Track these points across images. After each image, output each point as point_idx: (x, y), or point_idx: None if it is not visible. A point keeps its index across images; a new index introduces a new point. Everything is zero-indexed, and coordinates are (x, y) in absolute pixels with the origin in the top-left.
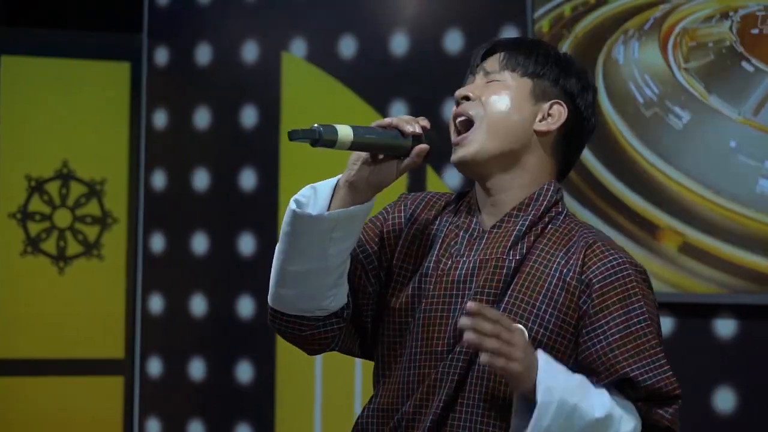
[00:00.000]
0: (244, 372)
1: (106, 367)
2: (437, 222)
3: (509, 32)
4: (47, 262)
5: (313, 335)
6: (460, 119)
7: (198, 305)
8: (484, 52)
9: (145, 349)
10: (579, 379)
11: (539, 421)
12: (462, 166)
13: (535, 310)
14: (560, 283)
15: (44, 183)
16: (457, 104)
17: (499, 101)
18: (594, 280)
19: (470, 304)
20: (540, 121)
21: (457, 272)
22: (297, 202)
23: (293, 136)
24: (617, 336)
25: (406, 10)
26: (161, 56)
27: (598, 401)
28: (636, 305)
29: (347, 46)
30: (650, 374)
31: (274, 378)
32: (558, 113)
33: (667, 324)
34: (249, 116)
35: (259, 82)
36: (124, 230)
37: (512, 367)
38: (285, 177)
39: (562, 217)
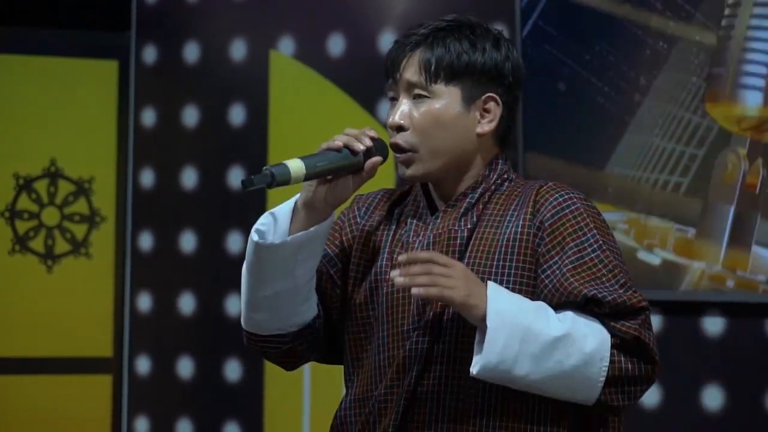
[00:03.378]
0: (233, 370)
1: (95, 366)
2: (389, 218)
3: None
4: (35, 260)
5: (290, 349)
6: (400, 150)
7: (186, 304)
8: (401, 57)
9: (133, 348)
10: (536, 303)
11: (491, 345)
12: (411, 181)
13: (494, 270)
14: (513, 236)
15: (32, 181)
16: (391, 130)
17: (433, 127)
18: (544, 220)
19: (400, 257)
20: (479, 122)
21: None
22: (258, 232)
23: (246, 184)
24: (571, 266)
25: (394, 9)
26: (149, 55)
27: (555, 322)
28: (587, 235)
29: (335, 45)
30: (610, 292)
31: (263, 376)
32: (493, 108)
33: (655, 322)
34: (237, 114)
35: (248, 80)
36: (113, 229)
37: (450, 294)
38: None
39: (508, 183)
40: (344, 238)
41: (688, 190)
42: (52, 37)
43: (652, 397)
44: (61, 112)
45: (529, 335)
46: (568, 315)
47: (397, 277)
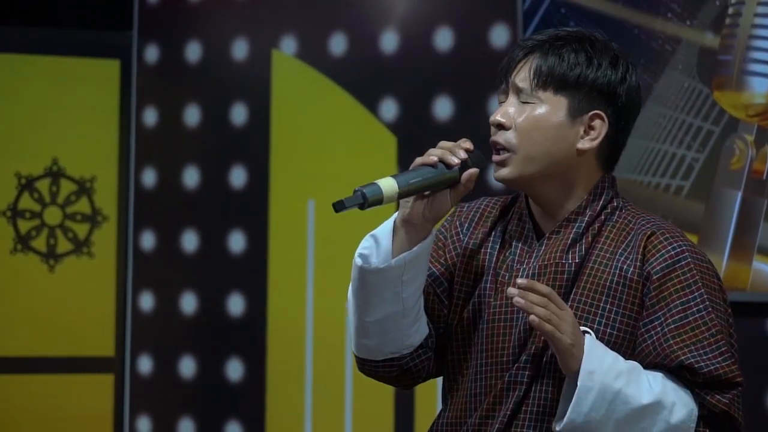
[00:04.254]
0: (235, 369)
1: (97, 365)
2: (493, 234)
3: (499, 30)
4: (37, 259)
5: (404, 373)
6: (498, 147)
7: (188, 303)
8: (515, 62)
9: (135, 347)
10: (629, 365)
11: (578, 405)
12: (504, 182)
13: (600, 311)
14: (622, 281)
15: (34, 181)
16: (493, 127)
17: (534, 130)
18: (653, 272)
19: (520, 280)
20: (581, 137)
21: (518, 281)
22: (362, 256)
23: (339, 207)
24: (673, 326)
25: (396, 8)
26: (151, 54)
27: (646, 387)
28: (695, 294)
29: (337, 44)
30: (707, 361)
31: (265, 375)
32: (599, 126)
33: None
34: (239, 114)
35: (250, 79)
36: (114, 228)
37: (560, 337)
38: (275, 174)
39: (619, 212)
40: (448, 256)
41: (689, 194)
42: (53, 36)
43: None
44: (63, 112)
45: (618, 400)
46: (659, 379)
47: (515, 295)
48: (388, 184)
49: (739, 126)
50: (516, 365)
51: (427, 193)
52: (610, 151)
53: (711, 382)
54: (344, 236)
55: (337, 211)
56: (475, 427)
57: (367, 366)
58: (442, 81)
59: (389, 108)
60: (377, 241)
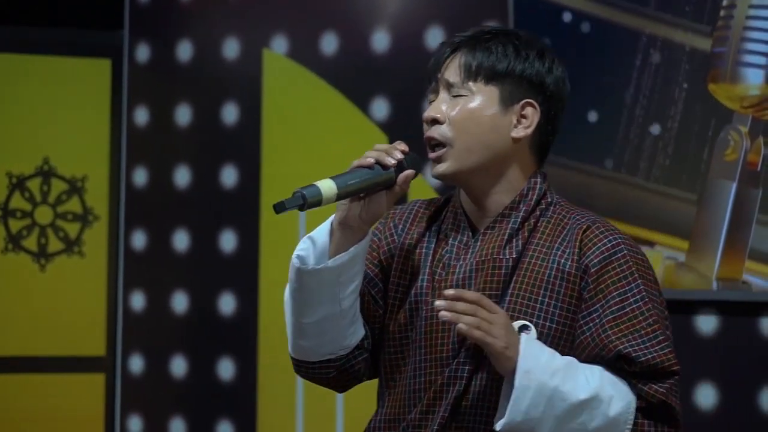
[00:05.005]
0: (226, 369)
1: (88, 365)
2: (428, 233)
3: None
4: (28, 259)
5: (340, 374)
6: (433, 143)
7: (179, 302)
8: (443, 58)
9: (126, 347)
10: (565, 361)
11: (517, 405)
12: (441, 179)
13: (538, 305)
14: (559, 274)
15: (25, 180)
16: (427, 124)
17: (468, 121)
18: (590, 265)
19: (447, 291)
20: (515, 126)
21: (455, 277)
22: (299, 257)
23: (279, 208)
24: (611, 317)
25: (387, 7)
26: (142, 53)
27: (583, 383)
28: (632, 285)
29: (328, 43)
30: (644, 350)
31: (256, 375)
32: (531, 114)
33: None
34: (230, 113)
35: (241, 79)
36: (106, 227)
37: (491, 341)
38: (266, 174)
39: (552, 207)
40: (383, 257)
41: (680, 198)
42: (44, 35)
43: None
44: (54, 111)
45: (555, 397)
46: (596, 373)
47: (442, 309)
48: (326, 186)
49: (733, 117)
50: (456, 360)
51: (363, 194)
52: (542, 141)
53: (648, 371)
54: None
55: (277, 212)
56: (416, 422)
57: (303, 367)
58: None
59: (380, 107)
60: (314, 243)
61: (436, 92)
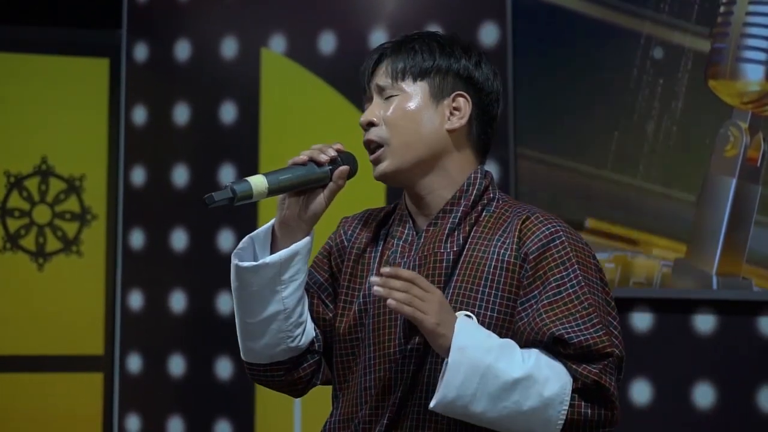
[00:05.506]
0: (224, 368)
1: (86, 364)
2: (376, 238)
3: (488, 28)
4: (26, 258)
5: (292, 376)
6: (372, 146)
7: (177, 302)
8: (372, 66)
9: (124, 346)
10: (503, 341)
11: (449, 381)
12: (384, 179)
13: (479, 296)
14: (499, 264)
15: (23, 179)
16: (364, 130)
17: (402, 119)
18: (529, 253)
19: (384, 269)
20: (448, 119)
21: None
22: (238, 255)
23: (209, 201)
24: (547, 302)
25: (385, 6)
26: (140, 52)
27: (518, 362)
28: (569, 270)
29: (327, 43)
30: (578, 332)
31: None
32: (462, 105)
33: (646, 319)
34: (228, 112)
35: (239, 78)
36: (104, 226)
37: (422, 318)
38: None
39: (495, 202)
40: (333, 263)
41: (679, 197)
42: (42, 35)
43: (643, 394)
44: (52, 110)
45: (489, 374)
46: (533, 355)
47: (375, 285)
48: (258, 181)
49: (733, 113)
50: (402, 355)
51: (299, 191)
52: (479, 134)
53: (582, 353)
54: None
55: (207, 205)
56: (366, 419)
57: (254, 371)
58: None
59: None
60: (254, 241)
61: (370, 100)
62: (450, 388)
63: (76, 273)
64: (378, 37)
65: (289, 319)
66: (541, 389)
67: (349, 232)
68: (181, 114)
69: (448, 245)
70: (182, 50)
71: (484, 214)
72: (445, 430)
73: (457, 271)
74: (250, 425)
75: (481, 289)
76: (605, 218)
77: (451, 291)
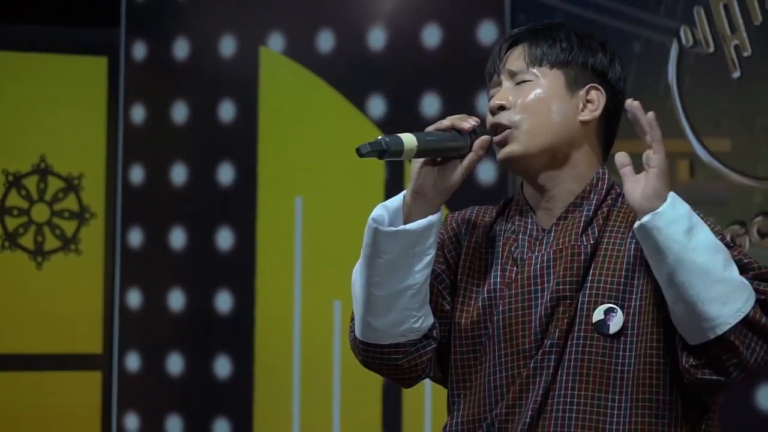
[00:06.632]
0: (223, 367)
1: (84, 362)
2: (491, 234)
3: (487, 27)
4: (25, 257)
5: (409, 362)
6: (500, 130)
7: (176, 300)
8: (505, 51)
9: (123, 344)
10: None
11: (672, 207)
12: (508, 163)
13: (621, 287)
14: (638, 261)
15: (22, 178)
16: (492, 114)
17: (535, 104)
18: None
19: (631, 101)
20: (582, 110)
21: (531, 268)
22: (375, 220)
23: (362, 150)
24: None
25: (383, 5)
26: (139, 51)
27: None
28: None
29: (325, 41)
30: (753, 262)
31: (253, 373)
32: (597, 98)
33: None
34: (227, 111)
35: (237, 76)
36: (102, 225)
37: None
38: (263, 171)
39: (621, 198)
40: (449, 255)
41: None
42: (41, 33)
43: None
44: (51, 109)
45: (697, 227)
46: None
47: (633, 103)
48: (408, 138)
49: None
50: (540, 350)
51: (439, 159)
52: (609, 129)
53: (762, 277)
54: (331, 233)
55: (360, 155)
56: (502, 417)
57: (371, 352)
58: (429, 77)
59: (377, 105)
60: (388, 210)
61: (497, 85)
62: (672, 210)
63: (75, 271)
64: (376, 36)
65: (417, 296)
66: (737, 274)
67: (463, 227)
68: (180, 112)
69: (584, 238)
70: (181, 49)
71: (613, 209)
72: (588, 427)
73: (594, 265)
74: (248, 423)
75: (622, 279)
76: None
77: (589, 285)
